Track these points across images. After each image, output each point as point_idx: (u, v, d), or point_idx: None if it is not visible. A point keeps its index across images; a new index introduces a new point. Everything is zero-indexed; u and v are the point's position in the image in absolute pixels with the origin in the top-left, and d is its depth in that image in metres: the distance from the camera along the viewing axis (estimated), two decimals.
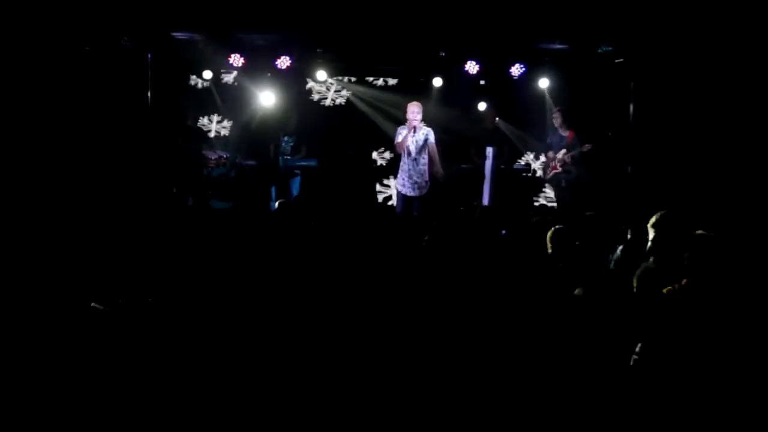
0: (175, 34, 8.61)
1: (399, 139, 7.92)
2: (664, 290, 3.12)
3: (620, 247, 4.44)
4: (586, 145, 8.73)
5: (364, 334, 3.20)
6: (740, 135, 7.49)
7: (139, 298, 3.17)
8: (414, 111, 7.81)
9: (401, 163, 8.06)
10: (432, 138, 7.96)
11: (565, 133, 9.03)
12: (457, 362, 3.18)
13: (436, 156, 7.98)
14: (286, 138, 9.30)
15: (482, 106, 9.97)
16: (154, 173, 8.96)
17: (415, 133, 7.83)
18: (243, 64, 9.17)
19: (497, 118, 9.84)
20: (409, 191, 7.98)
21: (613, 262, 4.32)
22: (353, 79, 10.45)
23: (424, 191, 7.97)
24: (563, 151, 8.99)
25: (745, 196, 7.19)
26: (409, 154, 7.93)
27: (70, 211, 6.81)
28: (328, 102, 10.62)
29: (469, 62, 9.31)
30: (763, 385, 2.86)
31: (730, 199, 7.23)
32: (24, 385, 2.76)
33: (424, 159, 7.91)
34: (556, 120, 9.13)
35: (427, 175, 7.94)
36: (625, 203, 8.53)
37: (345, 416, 2.91)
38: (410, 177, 7.95)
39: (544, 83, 9.68)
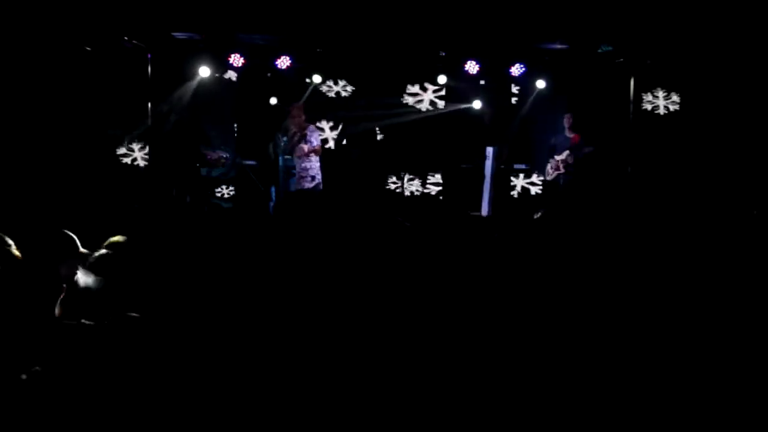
0: (175, 34, 8.60)
1: (314, 144, 8.35)
2: None
3: None
4: (589, 147, 8.79)
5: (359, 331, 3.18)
6: (740, 134, 7.50)
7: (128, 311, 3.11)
8: (300, 115, 8.38)
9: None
10: (316, 138, 8.45)
11: (571, 135, 9.08)
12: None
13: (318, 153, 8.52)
14: (285, 138, 9.26)
15: (477, 104, 9.98)
16: (154, 173, 8.96)
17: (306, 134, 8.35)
18: (243, 63, 9.16)
19: None
20: (305, 185, 8.51)
21: None
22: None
23: (316, 182, 8.42)
24: (566, 152, 9.03)
25: (745, 195, 7.20)
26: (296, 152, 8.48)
27: (69, 211, 6.81)
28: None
29: (469, 62, 9.32)
30: None
31: (730, 198, 7.24)
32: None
33: (308, 156, 8.43)
34: (567, 122, 9.17)
35: (315, 170, 8.42)
36: (625, 203, 8.53)
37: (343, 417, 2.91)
38: (300, 176, 8.48)
39: (542, 83, 9.70)
